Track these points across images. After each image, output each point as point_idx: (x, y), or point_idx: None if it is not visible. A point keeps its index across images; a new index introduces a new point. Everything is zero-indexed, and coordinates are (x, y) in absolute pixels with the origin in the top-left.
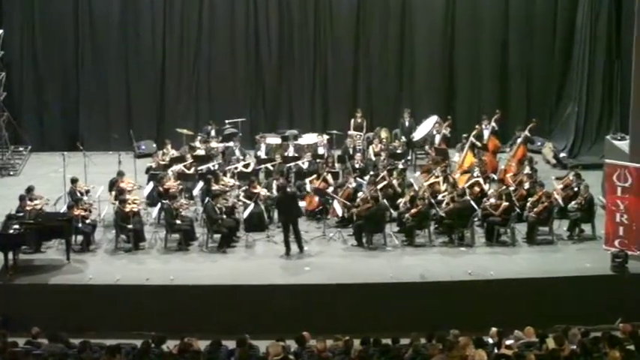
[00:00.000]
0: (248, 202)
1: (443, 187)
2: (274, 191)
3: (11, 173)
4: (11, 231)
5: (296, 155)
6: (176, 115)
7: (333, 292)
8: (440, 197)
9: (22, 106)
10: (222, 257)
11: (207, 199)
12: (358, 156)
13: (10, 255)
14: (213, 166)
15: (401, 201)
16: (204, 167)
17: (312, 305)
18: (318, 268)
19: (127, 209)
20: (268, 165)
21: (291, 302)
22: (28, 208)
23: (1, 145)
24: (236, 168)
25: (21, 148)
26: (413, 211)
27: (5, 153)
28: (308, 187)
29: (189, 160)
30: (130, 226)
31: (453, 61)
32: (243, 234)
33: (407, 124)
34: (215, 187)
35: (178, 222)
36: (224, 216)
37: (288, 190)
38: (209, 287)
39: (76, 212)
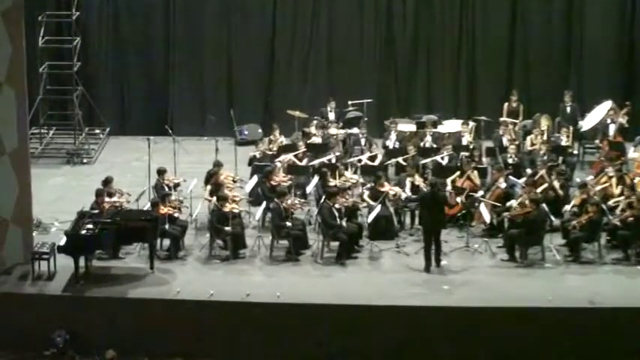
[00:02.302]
0: (374, 203)
1: (617, 189)
2: (407, 190)
3: (85, 161)
4: (83, 232)
5: (434, 146)
6: (287, 94)
7: (477, 317)
8: (612, 202)
9: (99, 79)
10: (341, 271)
11: (323, 198)
12: (512, 149)
13: (82, 261)
14: (329, 157)
15: (566, 208)
16: (320, 159)
17: (450, 332)
18: (459, 287)
19: (226, 208)
20: (399, 158)
21: (423, 328)
22: (104, 204)
23: (73, 126)
24: (360, 160)
25: (97, 131)
26: (582, 218)
27: (79, 136)
28: (449, 187)
29: (302, 150)
30: (229, 229)
31: (633, 32)
32: (366, 242)
33: (568, 110)
34: (333, 183)
35: (288, 225)
36: (344, 220)
37: (439, 190)
38: (323, 307)
39: (163, 210)
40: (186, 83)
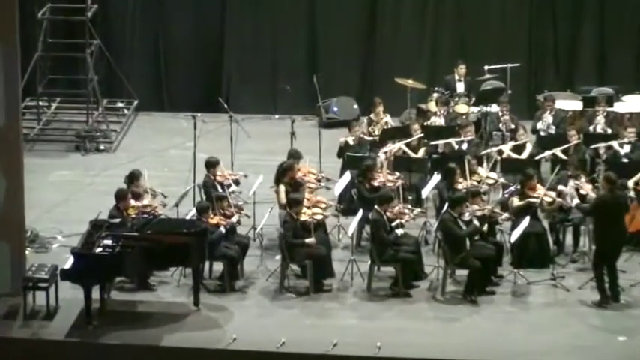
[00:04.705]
0: (519, 213)
1: None
2: (568, 196)
3: (102, 147)
4: (99, 250)
5: (608, 132)
6: (395, 56)
7: None
8: None
9: (124, 30)
10: (470, 310)
11: (446, 206)
12: None
13: (96, 292)
14: (455, 145)
15: None
16: (441, 148)
17: None
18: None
19: (304, 218)
20: (557, 149)
21: None
22: (130, 210)
23: (86, 96)
24: (500, 152)
25: (120, 104)
26: None
27: (93, 112)
28: (631, 192)
29: (417, 135)
30: (309, 242)
31: None
32: (507, 271)
33: None
34: (462, 184)
35: (393, 242)
36: (475, 238)
37: (619, 191)
38: None
39: (214, 220)
40: (250, 39)
